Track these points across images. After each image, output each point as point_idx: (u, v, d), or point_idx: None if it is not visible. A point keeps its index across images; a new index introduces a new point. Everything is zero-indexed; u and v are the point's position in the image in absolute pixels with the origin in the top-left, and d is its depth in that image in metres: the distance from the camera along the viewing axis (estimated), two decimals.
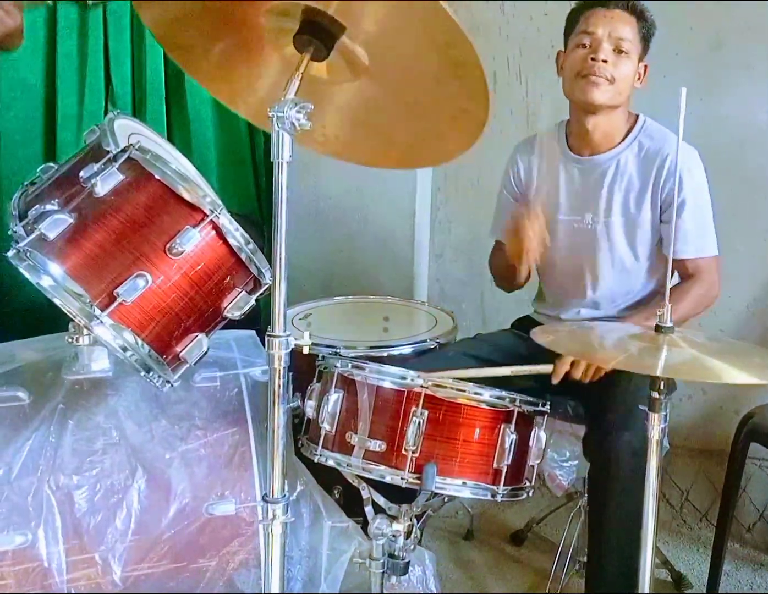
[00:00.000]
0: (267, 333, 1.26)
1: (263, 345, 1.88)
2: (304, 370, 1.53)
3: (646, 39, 1.94)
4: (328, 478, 1.77)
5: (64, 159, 1.55)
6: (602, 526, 1.77)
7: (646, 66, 1.96)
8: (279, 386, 1.26)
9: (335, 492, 1.98)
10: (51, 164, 1.51)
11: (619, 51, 1.89)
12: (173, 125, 2.98)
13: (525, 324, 2.17)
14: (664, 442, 1.47)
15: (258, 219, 3.06)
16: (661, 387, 1.40)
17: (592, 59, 1.89)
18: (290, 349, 1.26)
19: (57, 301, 1.28)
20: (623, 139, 2.00)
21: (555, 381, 1.77)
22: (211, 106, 2.93)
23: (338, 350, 2.02)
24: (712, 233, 1.99)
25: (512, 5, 2.82)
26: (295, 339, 1.28)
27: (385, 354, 2.09)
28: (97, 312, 1.26)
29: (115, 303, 1.26)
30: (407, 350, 2.12)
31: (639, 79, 1.96)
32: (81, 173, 1.35)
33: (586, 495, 1.94)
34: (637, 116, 2.02)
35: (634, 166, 1.98)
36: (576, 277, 2.09)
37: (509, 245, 1.95)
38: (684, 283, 1.99)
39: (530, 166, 2.14)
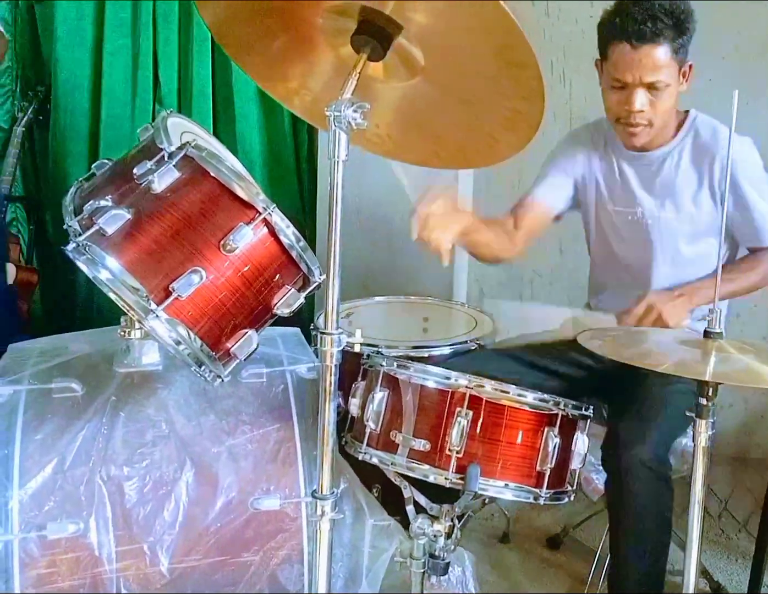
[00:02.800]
0: (320, 330, 1.27)
1: (308, 342, 1.93)
2: (345, 368, 1.54)
3: (684, 47, 1.84)
4: (366, 477, 1.78)
5: (108, 156, 1.57)
6: (618, 539, 1.77)
7: (690, 65, 1.88)
8: (330, 384, 1.27)
9: (374, 491, 1.99)
10: (105, 161, 1.53)
11: (655, 89, 1.83)
12: (219, 124, 3.02)
13: (571, 323, 2.16)
14: None
15: (299, 217, 3.10)
16: (710, 393, 1.40)
17: (627, 110, 1.85)
18: (342, 348, 1.27)
19: (113, 295, 1.30)
20: (675, 135, 1.97)
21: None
22: (256, 105, 2.97)
23: (380, 349, 2.03)
24: None
25: (557, 7, 2.81)
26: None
27: (426, 354, 2.10)
28: (153, 306, 1.27)
29: (171, 298, 1.28)
30: (447, 351, 2.12)
31: (685, 78, 1.88)
32: (135, 170, 1.37)
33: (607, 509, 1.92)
34: (687, 111, 1.98)
35: (688, 160, 1.95)
36: (631, 269, 2.08)
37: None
38: (747, 260, 1.99)
39: (590, 154, 2.11)
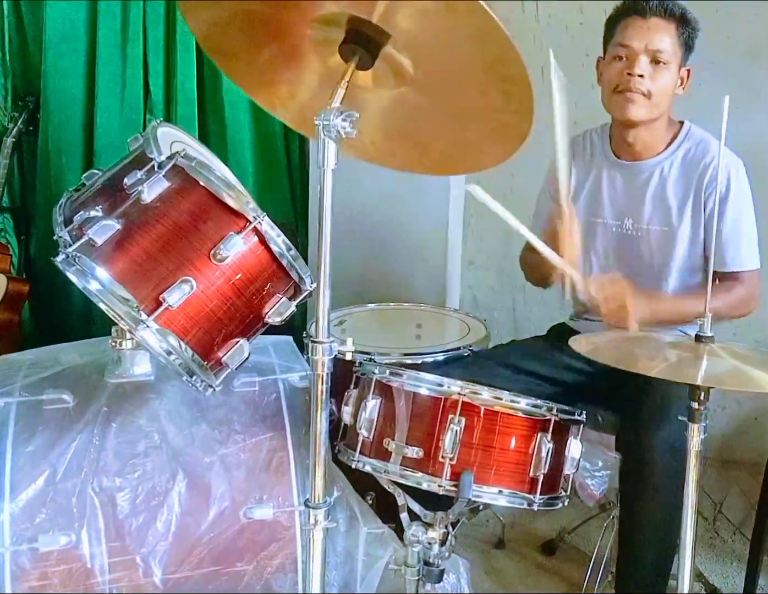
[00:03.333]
0: (311, 339, 1.27)
1: (300, 350, 1.92)
2: (337, 376, 1.54)
3: (687, 43, 1.89)
4: (361, 485, 1.78)
5: (102, 166, 1.57)
6: (633, 528, 1.76)
7: (688, 71, 1.91)
8: (322, 392, 1.27)
9: (368, 498, 1.99)
10: (95, 171, 1.53)
11: (656, 62, 1.85)
12: (210, 132, 3.02)
13: (560, 331, 2.17)
14: None
15: (292, 225, 3.09)
16: (702, 397, 1.40)
17: (629, 74, 1.86)
18: (333, 356, 1.27)
19: (103, 306, 1.30)
20: (667, 147, 1.97)
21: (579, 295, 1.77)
22: (247, 113, 2.97)
23: (372, 357, 2.03)
24: (754, 245, 1.94)
25: (547, 14, 2.82)
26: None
27: (419, 361, 2.10)
28: (143, 316, 1.27)
29: (161, 308, 1.28)
30: (440, 357, 2.13)
31: (681, 84, 1.91)
32: (125, 180, 1.38)
33: (619, 499, 1.92)
34: (682, 123, 1.99)
35: (678, 173, 1.95)
36: None
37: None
38: (724, 283, 1.94)
39: (572, 167, 2.12)
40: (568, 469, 1.60)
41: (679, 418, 1.45)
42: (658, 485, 1.69)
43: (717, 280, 1.93)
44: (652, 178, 1.98)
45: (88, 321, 3.01)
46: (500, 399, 1.52)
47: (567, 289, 1.78)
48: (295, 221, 3.15)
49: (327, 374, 1.27)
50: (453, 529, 1.61)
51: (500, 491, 1.52)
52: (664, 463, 1.67)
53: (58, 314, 3.12)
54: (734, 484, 2.67)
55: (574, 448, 1.59)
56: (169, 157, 1.38)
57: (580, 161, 2.11)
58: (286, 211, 3.12)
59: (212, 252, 1.32)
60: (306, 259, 1.41)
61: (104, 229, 1.30)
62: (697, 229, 1.94)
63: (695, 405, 1.40)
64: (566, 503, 1.62)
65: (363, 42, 1.26)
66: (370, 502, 1.98)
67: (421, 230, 2.92)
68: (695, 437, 1.42)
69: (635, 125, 1.93)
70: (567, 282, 1.79)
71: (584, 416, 1.61)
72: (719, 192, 1.77)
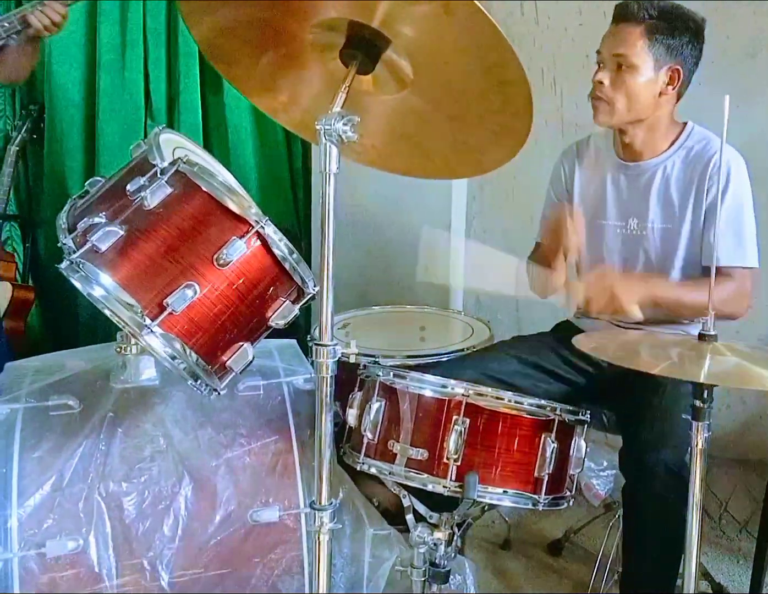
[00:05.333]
0: (315, 342, 1.27)
1: (304, 354, 1.93)
2: (342, 378, 1.55)
3: (668, 43, 1.85)
4: (369, 487, 1.79)
5: (104, 172, 1.58)
6: (636, 544, 1.76)
7: (676, 70, 1.88)
8: (326, 395, 1.27)
9: (374, 501, 1.99)
10: (98, 178, 1.54)
11: (619, 67, 1.85)
12: (212, 138, 3.03)
13: (566, 328, 2.17)
14: None
15: (295, 230, 3.10)
16: (705, 395, 1.40)
17: (595, 81, 1.88)
18: (337, 358, 1.28)
19: (107, 312, 1.30)
20: (670, 147, 1.97)
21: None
22: (249, 118, 2.98)
23: (377, 359, 2.04)
24: (750, 244, 1.92)
25: (547, 16, 2.83)
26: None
27: (423, 363, 2.10)
28: (148, 321, 1.28)
29: (165, 313, 1.28)
30: (444, 359, 2.13)
31: (669, 84, 1.88)
32: (128, 186, 1.38)
33: (621, 513, 1.91)
34: (685, 124, 1.98)
35: (681, 171, 1.94)
36: None
37: (548, 243, 1.94)
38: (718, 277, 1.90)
39: (576, 170, 2.13)
40: (573, 469, 1.61)
41: (683, 416, 1.45)
42: (660, 507, 1.68)
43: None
44: (655, 177, 1.97)
45: (93, 327, 3.02)
46: (503, 399, 1.52)
47: (564, 299, 1.80)
48: (298, 225, 3.16)
49: (331, 377, 1.28)
50: (459, 530, 1.61)
51: (505, 491, 1.52)
52: (664, 486, 1.66)
53: (62, 321, 3.13)
54: (740, 482, 2.67)
55: (579, 448, 1.60)
56: (172, 163, 1.38)
57: (584, 164, 2.12)
58: (289, 216, 3.13)
59: (215, 257, 1.32)
60: (309, 263, 1.42)
61: (108, 235, 1.31)
62: (697, 224, 1.94)
63: (699, 403, 1.40)
64: (571, 503, 1.63)
65: (363, 47, 1.27)
66: (377, 504, 1.99)
67: (424, 233, 2.93)
68: (700, 435, 1.42)
69: (621, 128, 1.94)
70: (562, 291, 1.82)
71: (589, 416, 1.61)
72: (719, 185, 1.79)
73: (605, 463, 2.43)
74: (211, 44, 1.46)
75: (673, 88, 1.90)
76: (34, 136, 3.06)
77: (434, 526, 1.58)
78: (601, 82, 1.87)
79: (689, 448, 1.74)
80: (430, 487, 1.50)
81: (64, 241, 1.38)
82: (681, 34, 1.86)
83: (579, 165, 2.13)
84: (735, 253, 1.90)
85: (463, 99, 1.33)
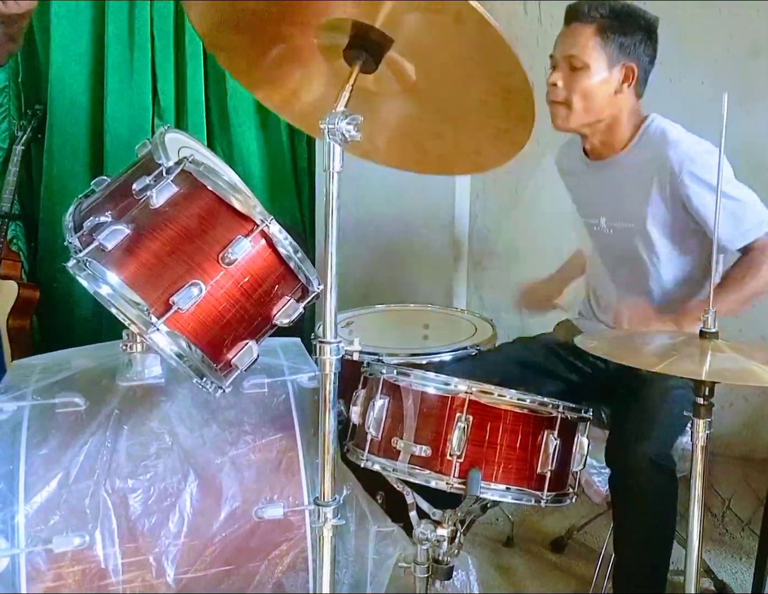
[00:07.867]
0: (318, 339, 1.29)
1: (308, 352, 1.94)
2: (346, 376, 1.56)
3: (619, 41, 1.84)
4: (370, 484, 1.79)
5: (111, 172, 1.59)
6: (624, 536, 1.78)
7: (630, 67, 1.86)
8: (330, 392, 1.28)
9: (378, 498, 2.00)
10: (104, 177, 1.55)
11: (573, 67, 1.85)
12: (216, 137, 3.04)
13: (566, 328, 2.19)
14: None
15: (299, 228, 3.11)
16: (706, 392, 1.41)
17: (548, 84, 1.88)
18: (341, 356, 1.29)
19: (114, 310, 1.31)
20: (627, 144, 1.95)
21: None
22: (253, 117, 2.99)
23: (380, 357, 2.05)
24: (753, 217, 1.84)
25: (550, 15, 2.84)
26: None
27: (426, 361, 2.11)
28: (154, 319, 1.29)
29: (171, 311, 1.29)
30: (448, 357, 2.14)
31: (625, 82, 1.87)
32: (134, 186, 1.39)
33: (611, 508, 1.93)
34: (645, 117, 1.95)
35: (639, 166, 1.92)
36: (603, 278, 2.11)
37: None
38: (743, 259, 1.85)
39: (564, 172, 2.19)
40: (575, 466, 1.61)
41: (685, 413, 1.46)
42: (645, 498, 1.70)
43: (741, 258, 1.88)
44: (613, 176, 1.97)
45: (95, 325, 3.03)
46: (506, 397, 1.53)
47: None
48: (303, 224, 3.17)
49: (335, 374, 1.29)
50: (462, 527, 1.61)
51: (508, 488, 1.53)
52: (647, 477, 1.68)
53: (64, 320, 3.14)
54: (743, 480, 2.68)
55: (581, 444, 1.60)
56: (177, 163, 1.39)
57: (566, 167, 2.15)
58: (294, 214, 3.14)
59: (221, 255, 1.33)
60: (314, 262, 1.43)
61: (114, 234, 1.32)
62: (667, 218, 1.90)
63: (700, 400, 1.41)
64: (574, 500, 1.64)
65: (367, 46, 1.28)
66: (380, 501, 2.00)
67: (428, 231, 2.94)
68: (701, 432, 1.42)
69: (580, 131, 1.95)
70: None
71: (591, 413, 1.62)
72: (682, 174, 1.80)
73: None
74: (214, 39, 1.47)
75: (629, 86, 1.89)
76: (39, 136, 3.07)
77: (437, 523, 1.59)
78: (554, 84, 1.87)
79: (674, 441, 1.78)
80: (433, 484, 1.51)
81: (70, 240, 1.38)
82: (634, 32, 1.86)
83: (562, 166, 2.18)
84: (746, 230, 1.85)
85: (464, 103, 1.34)
